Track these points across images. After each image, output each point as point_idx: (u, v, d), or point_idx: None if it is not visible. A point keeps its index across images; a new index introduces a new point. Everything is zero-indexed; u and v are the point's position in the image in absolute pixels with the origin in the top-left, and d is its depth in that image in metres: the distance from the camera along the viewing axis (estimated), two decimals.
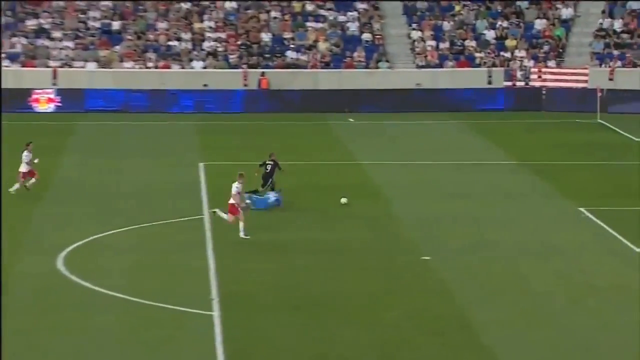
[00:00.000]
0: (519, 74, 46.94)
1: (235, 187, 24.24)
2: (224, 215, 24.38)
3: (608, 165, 33.76)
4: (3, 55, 44.79)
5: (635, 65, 46.80)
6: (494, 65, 47.60)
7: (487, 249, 23.65)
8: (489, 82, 46.91)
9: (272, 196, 27.40)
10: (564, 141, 38.64)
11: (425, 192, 29.77)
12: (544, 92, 46.28)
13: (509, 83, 46.87)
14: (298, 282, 21.33)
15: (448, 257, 23.09)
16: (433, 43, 48.86)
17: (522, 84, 46.82)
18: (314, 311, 19.52)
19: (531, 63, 47.56)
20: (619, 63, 46.93)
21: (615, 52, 47.53)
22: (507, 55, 48.11)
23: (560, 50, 48.58)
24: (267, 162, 28.16)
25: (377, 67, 47.78)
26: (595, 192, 29.53)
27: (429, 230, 25.49)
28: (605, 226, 25.36)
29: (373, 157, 35.59)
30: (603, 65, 47.08)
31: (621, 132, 40.49)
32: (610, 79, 46.16)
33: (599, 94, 43.72)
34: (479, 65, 47.83)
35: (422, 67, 47.96)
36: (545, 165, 33.73)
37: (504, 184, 30.77)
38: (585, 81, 45.98)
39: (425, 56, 48.35)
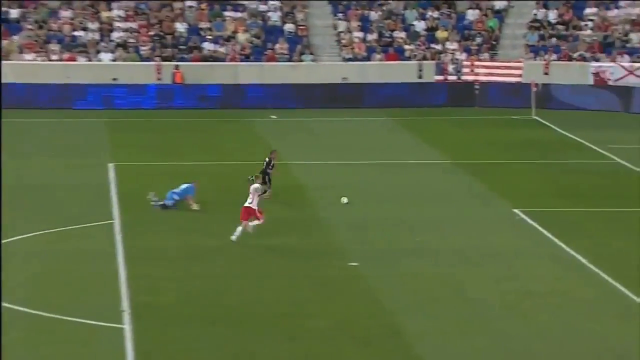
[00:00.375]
0: (450, 67, 47.54)
1: (256, 187, 24.56)
2: (256, 222, 24.44)
3: (543, 164, 34.45)
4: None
5: (570, 59, 47.84)
6: (424, 58, 48.12)
7: (418, 254, 23.90)
8: (420, 77, 47.41)
9: (178, 191, 27.41)
10: (498, 139, 39.28)
11: (353, 194, 29.93)
12: (477, 86, 46.95)
13: (441, 77, 47.44)
14: (216, 292, 21.24)
15: (377, 262, 23.27)
16: (360, 34, 49.18)
17: (454, 78, 47.43)
18: (234, 322, 19.46)
19: (463, 56, 48.21)
20: (554, 56, 47.92)
21: (551, 44, 48.52)
22: (438, 47, 48.71)
23: (494, 42, 49.36)
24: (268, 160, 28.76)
25: (301, 60, 47.89)
26: (530, 193, 30.10)
27: (358, 234, 25.65)
28: (540, 228, 25.86)
29: (298, 157, 35.65)
30: (538, 58, 48.02)
31: (557, 128, 41.35)
32: (546, 73, 47.08)
33: (534, 89, 44.57)
34: (408, 58, 48.29)
35: (349, 60, 48.24)
36: (479, 165, 34.23)
37: (435, 185, 31.14)
38: (520, 75, 46.83)
39: (352, 48, 48.63)
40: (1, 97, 39.14)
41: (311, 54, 48.31)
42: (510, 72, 46.80)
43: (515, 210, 27.62)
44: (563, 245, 24.29)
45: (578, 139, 38.77)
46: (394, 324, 19.36)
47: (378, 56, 48.25)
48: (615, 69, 46.06)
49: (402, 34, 49.24)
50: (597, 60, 47.05)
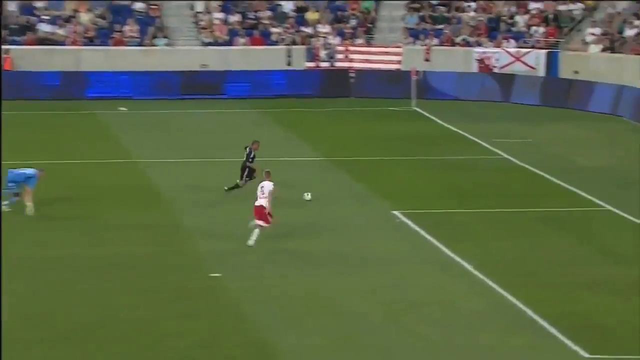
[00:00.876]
0: (322, 53, 48.11)
1: (268, 186, 24.69)
2: (261, 223, 24.66)
3: (424, 161, 35.25)
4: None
5: (453, 43, 49.07)
6: (293, 42, 48.56)
7: (289, 262, 24.15)
8: (289, 63, 47.84)
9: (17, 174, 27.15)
10: (375, 132, 39.99)
11: (216, 196, 30.00)
12: (352, 74, 47.67)
13: (312, 64, 47.96)
14: (62, 309, 20.99)
15: (243, 272, 23.41)
16: (221, 15, 49.25)
17: (326, 65, 48.02)
18: (81, 344, 19.30)
19: (337, 40, 48.85)
20: (435, 40, 49.06)
21: (432, 28, 49.63)
22: (309, 30, 49.20)
23: (370, 25, 50.20)
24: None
25: (154, 45, 47.61)
26: (411, 192, 30.76)
27: (221, 240, 25.73)
28: (422, 232, 26.47)
29: (152, 154, 35.49)
30: (418, 43, 49.05)
31: (439, 121, 42.36)
32: (427, 60, 48.18)
33: (414, 77, 45.52)
34: (276, 43, 48.64)
35: (209, 44, 48.25)
36: (354, 161, 34.78)
37: (307, 184, 31.46)
38: (399, 62, 47.78)
39: (212, 31, 48.64)
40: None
41: (165, 37, 48.07)
42: (389, 58, 47.73)
43: (395, 212, 28.19)
44: (447, 251, 24.93)
45: (462, 132, 39.82)
46: (263, 341, 19.54)
47: (241, 40, 48.40)
48: (501, 55, 47.51)
49: (268, 15, 49.52)
50: (480, 45, 48.39)
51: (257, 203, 24.82)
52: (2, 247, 23.39)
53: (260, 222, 24.69)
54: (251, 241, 24.64)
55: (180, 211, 28.23)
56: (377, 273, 23.47)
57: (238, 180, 29.36)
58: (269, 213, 24.75)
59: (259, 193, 24.96)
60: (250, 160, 29.46)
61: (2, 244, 23.27)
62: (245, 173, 29.31)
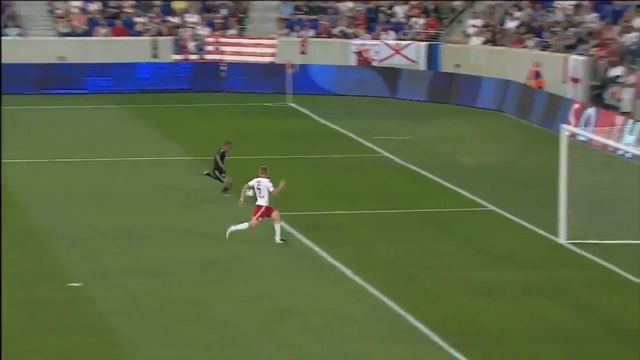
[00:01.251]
0: (191, 45, 47.96)
1: (266, 183, 25.03)
2: (242, 226, 25.05)
3: (301, 160, 35.47)
4: None
5: (330, 35, 49.47)
6: (159, 33, 48.29)
7: (155, 271, 24.02)
8: (154, 55, 47.57)
9: None
10: (248, 130, 40.06)
11: (76, 199, 29.70)
12: (223, 68, 47.66)
13: (180, 56, 47.78)
14: None
15: (105, 282, 23.18)
16: (79, 4, 48.65)
17: (196, 57, 47.89)
18: None
19: (206, 31, 48.78)
20: (311, 32, 49.39)
21: (307, 18, 49.95)
22: (176, 20, 48.99)
23: (242, 15, 50.25)
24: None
25: (4, 35, 46.73)
26: (287, 194, 30.81)
27: (80, 247, 25.44)
28: (297, 235, 26.62)
29: (6, 154, 34.88)
30: (293, 35, 49.32)
31: (316, 117, 42.67)
32: (303, 52, 48.47)
33: (290, 70, 45.74)
34: (140, 33, 48.28)
35: (66, 35, 47.60)
36: (226, 161, 34.74)
37: (176, 186, 31.35)
38: (273, 54, 47.95)
39: (70, 21, 48.01)
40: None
41: (17, 27, 47.24)
42: (262, 50, 47.87)
43: None
44: (324, 255, 25.13)
45: (341, 130, 40.17)
46: (128, 355, 19.38)
47: (102, 30, 47.90)
48: (380, 48, 48.08)
49: (132, 3, 49.12)
50: (358, 36, 48.89)
51: (257, 203, 25.21)
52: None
53: (256, 221, 25.15)
54: (277, 238, 25.17)
55: (37, 215, 27.80)
56: (249, 280, 23.51)
57: (224, 178, 29.63)
58: (264, 212, 25.10)
59: (257, 192, 25.25)
60: (222, 161, 29.75)
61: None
62: (220, 173, 29.67)
